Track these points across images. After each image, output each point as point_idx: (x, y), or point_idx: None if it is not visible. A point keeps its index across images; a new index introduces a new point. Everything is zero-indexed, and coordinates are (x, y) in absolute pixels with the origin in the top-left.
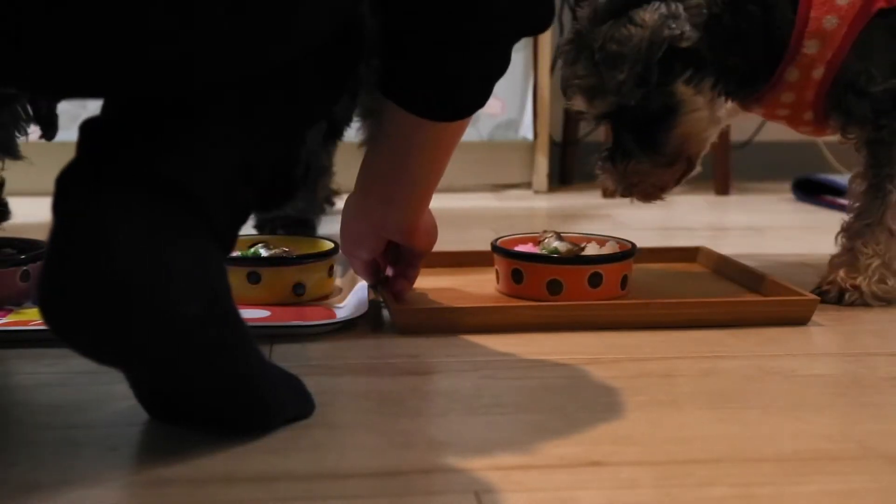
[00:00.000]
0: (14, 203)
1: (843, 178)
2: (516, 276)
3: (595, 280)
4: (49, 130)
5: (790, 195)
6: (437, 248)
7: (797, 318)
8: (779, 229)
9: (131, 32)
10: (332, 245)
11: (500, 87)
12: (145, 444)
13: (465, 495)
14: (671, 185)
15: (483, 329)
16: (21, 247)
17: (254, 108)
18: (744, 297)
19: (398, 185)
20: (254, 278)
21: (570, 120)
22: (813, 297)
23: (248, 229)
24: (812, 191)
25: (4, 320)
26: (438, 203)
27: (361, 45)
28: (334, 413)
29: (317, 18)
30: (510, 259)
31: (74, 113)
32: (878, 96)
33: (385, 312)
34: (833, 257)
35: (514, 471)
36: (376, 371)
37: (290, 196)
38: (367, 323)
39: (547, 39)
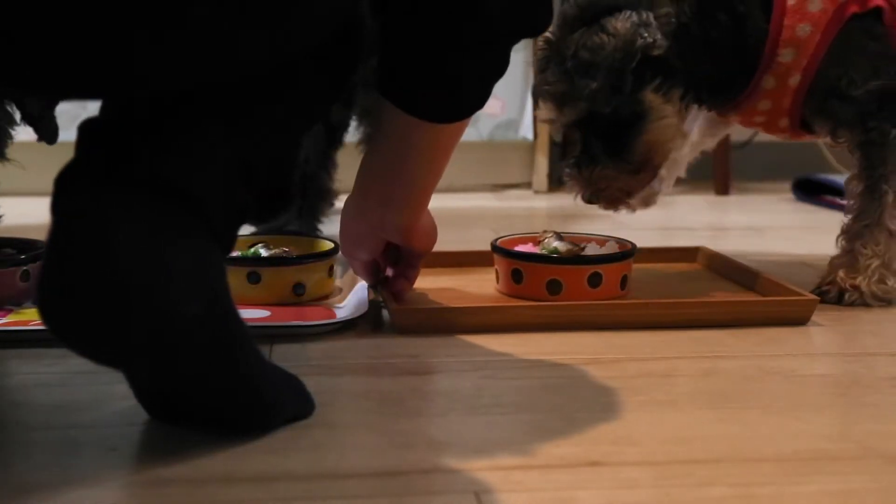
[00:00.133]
0: (13, 203)
1: (843, 178)
2: (516, 276)
3: (595, 280)
4: (47, 134)
5: (790, 195)
6: (437, 247)
7: (797, 318)
8: (779, 229)
9: (121, 33)
10: (332, 245)
11: (500, 87)
12: (145, 444)
13: (465, 495)
14: (637, 191)
15: (483, 329)
16: (21, 247)
17: (253, 109)
18: (744, 297)
19: (396, 185)
20: (254, 278)
21: None
22: (812, 297)
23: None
24: (812, 191)
25: (4, 320)
26: (438, 203)
27: (361, 46)
28: (334, 413)
29: (315, 19)
30: (510, 259)
31: (74, 113)
32: (861, 99)
33: (385, 312)
34: (833, 258)
35: (514, 471)
36: (376, 371)
37: (286, 205)
38: (367, 323)
39: None
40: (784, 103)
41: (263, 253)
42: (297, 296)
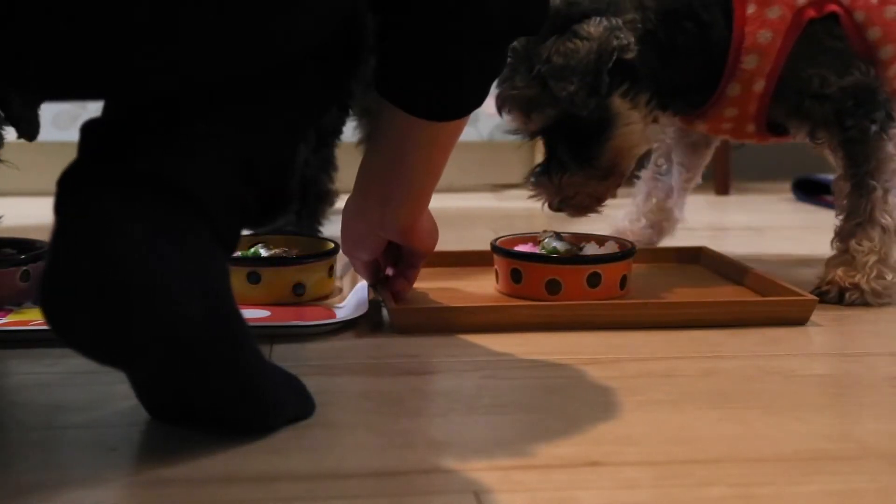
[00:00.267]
0: (13, 203)
1: None
2: (515, 275)
3: (594, 280)
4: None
5: (790, 195)
6: (438, 247)
7: (796, 319)
8: (779, 229)
9: (116, 33)
10: (332, 245)
11: None
12: (145, 444)
13: (465, 495)
14: (606, 197)
15: (483, 329)
16: (21, 247)
17: (254, 108)
18: (744, 297)
19: (396, 185)
20: (254, 278)
21: None
22: (812, 297)
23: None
24: (812, 191)
25: (4, 320)
26: (438, 203)
27: (361, 45)
28: (334, 413)
29: (315, 18)
30: (509, 259)
31: (75, 113)
32: (836, 97)
33: (385, 312)
34: (829, 259)
35: (514, 471)
36: (376, 371)
37: (283, 209)
38: (367, 323)
39: None
40: (750, 109)
41: (263, 253)
42: (297, 296)
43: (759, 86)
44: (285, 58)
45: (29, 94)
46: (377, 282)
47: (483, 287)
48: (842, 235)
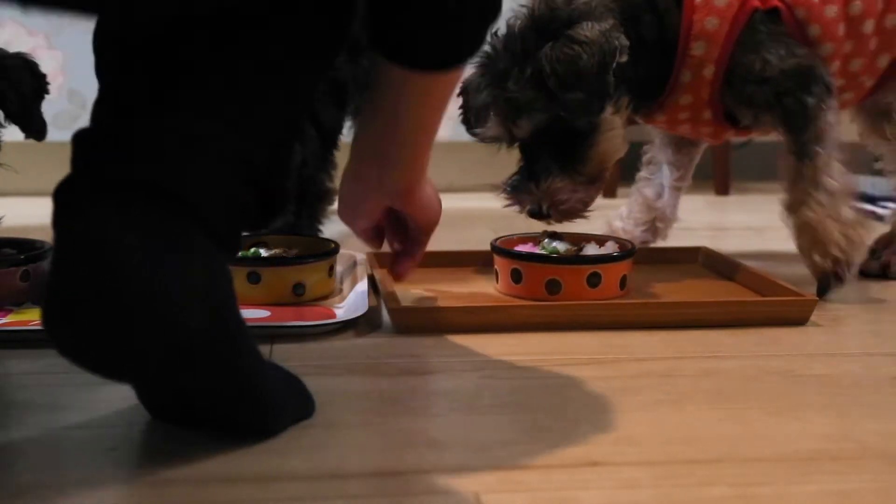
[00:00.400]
0: (13, 203)
1: None
2: (515, 275)
3: (594, 280)
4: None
5: None
6: (438, 247)
7: (796, 318)
8: (779, 229)
9: None
10: (332, 245)
11: None
12: (145, 444)
13: (465, 495)
14: (592, 201)
15: (483, 329)
16: (21, 247)
17: (251, 104)
18: (743, 297)
19: (391, 144)
20: (254, 278)
21: None
22: (812, 297)
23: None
24: None
25: (4, 320)
26: None
27: (349, 22)
28: (334, 413)
29: None
30: (509, 259)
31: (75, 113)
32: (777, 79)
33: (385, 312)
34: (799, 244)
35: (514, 471)
36: (376, 371)
37: (282, 209)
38: (367, 323)
39: None
40: (703, 95)
41: (263, 253)
42: (297, 296)
43: (708, 71)
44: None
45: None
46: (381, 251)
47: (483, 287)
48: (793, 206)
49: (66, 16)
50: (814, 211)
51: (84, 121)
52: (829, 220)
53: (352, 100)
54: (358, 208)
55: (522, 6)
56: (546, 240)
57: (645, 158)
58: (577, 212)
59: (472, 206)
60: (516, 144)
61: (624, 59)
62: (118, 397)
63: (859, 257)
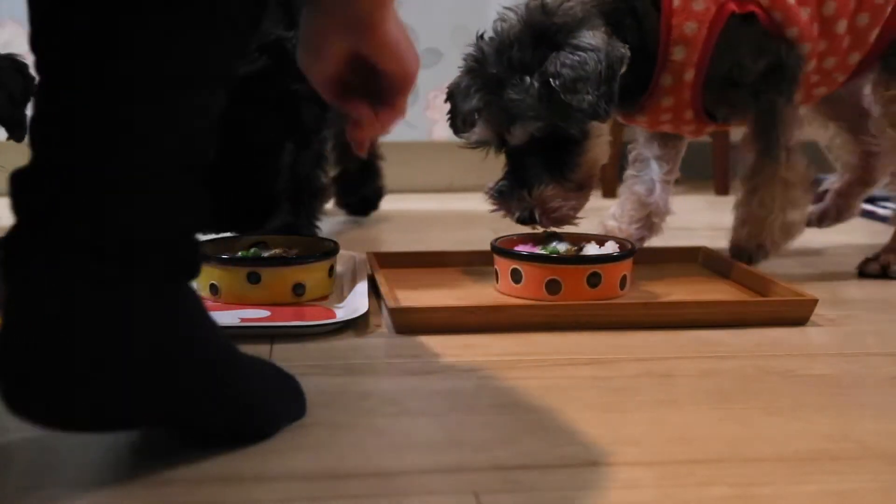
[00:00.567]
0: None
1: None
2: (515, 275)
3: (594, 280)
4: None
5: None
6: (438, 247)
7: (797, 318)
8: None
9: None
10: (332, 245)
11: None
12: (145, 444)
13: (465, 495)
14: (582, 207)
15: (483, 329)
16: None
17: (171, 90)
18: (744, 297)
19: None
20: (254, 278)
21: None
22: (812, 297)
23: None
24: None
25: None
26: (439, 204)
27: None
28: (334, 413)
29: None
30: (509, 259)
31: None
32: (752, 82)
33: (385, 312)
34: (734, 225)
35: (514, 471)
36: (376, 371)
37: (271, 211)
38: (367, 323)
39: None
40: (684, 97)
41: (263, 253)
42: (297, 296)
43: (689, 75)
44: None
45: None
46: (346, 105)
47: (483, 287)
48: (745, 191)
49: None
50: (763, 206)
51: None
52: (772, 215)
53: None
54: (319, 50)
55: (508, 9)
56: (546, 238)
57: (631, 157)
58: (569, 219)
59: (472, 206)
60: (503, 150)
61: (624, 69)
62: None
63: (783, 248)
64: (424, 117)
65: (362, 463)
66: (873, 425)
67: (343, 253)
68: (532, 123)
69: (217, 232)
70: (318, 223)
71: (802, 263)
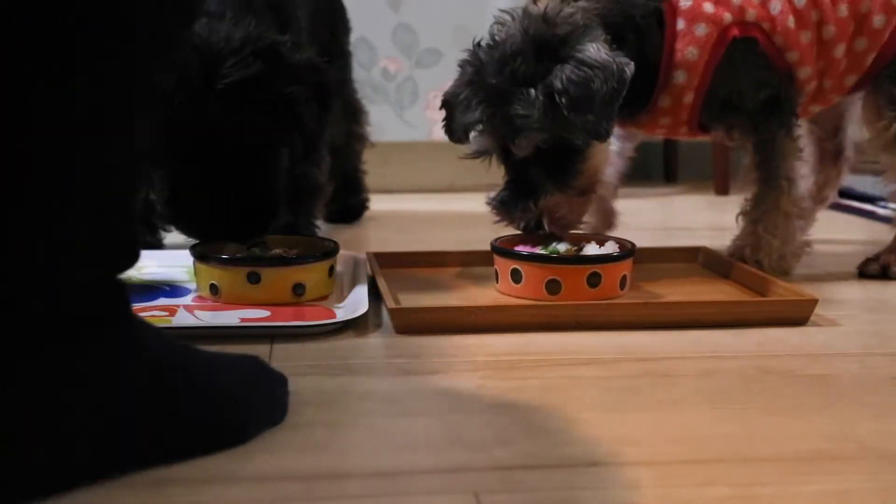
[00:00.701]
0: None
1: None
2: (515, 275)
3: (594, 280)
4: None
5: None
6: (438, 247)
7: (797, 318)
8: None
9: None
10: (332, 245)
11: None
12: None
13: (465, 495)
14: (585, 213)
15: (483, 329)
16: None
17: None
18: (744, 297)
19: None
20: (254, 278)
21: None
22: (812, 297)
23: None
24: None
25: None
26: (439, 204)
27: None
28: (334, 413)
29: None
30: (509, 259)
31: None
32: (752, 109)
33: (385, 312)
34: (738, 237)
35: (514, 471)
36: (376, 371)
37: (272, 218)
38: (367, 323)
39: None
40: (682, 118)
41: (263, 253)
42: (297, 296)
43: (688, 98)
44: None
45: None
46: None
47: (483, 287)
48: (751, 218)
49: None
50: (767, 231)
51: None
52: (776, 241)
53: (334, 100)
54: None
55: (505, 12)
56: (554, 243)
57: None
58: (575, 224)
59: (472, 206)
60: (505, 160)
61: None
62: None
63: (780, 272)
64: (424, 117)
65: (362, 463)
66: (873, 425)
67: (343, 253)
68: (537, 135)
69: (219, 240)
70: (316, 221)
71: (802, 263)
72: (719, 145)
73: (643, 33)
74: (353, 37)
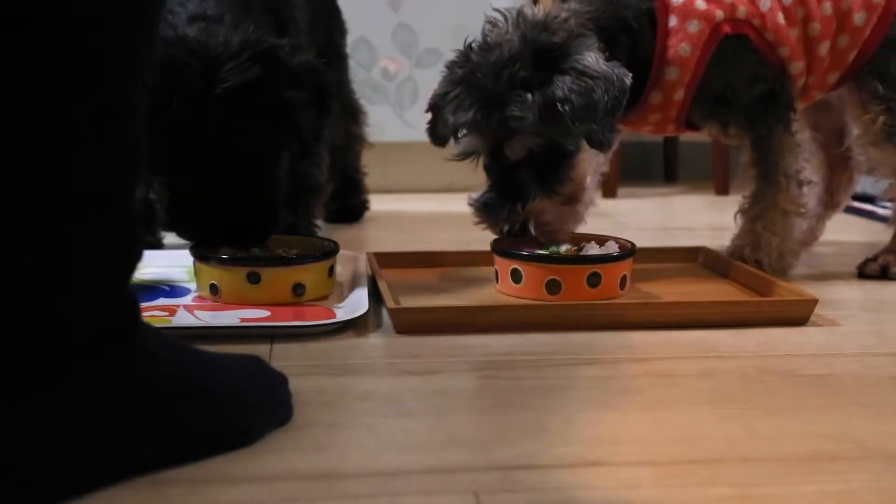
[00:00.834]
0: None
1: None
2: (515, 275)
3: (594, 280)
4: None
5: None
6: (438, 247)
7: (797, 318)
8: None
9: None
10: (332, 245)
11: None
12: None
13: (465, 495)
14: (572, 221)
15: (483, 329)
16: None
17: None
18: (744, 296)
19: None
20: (254, 278)
21: None
22: (812, 297)
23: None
24: None
25: None
26: (439, 204)
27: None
28: (334, 413)
29: None
30: (509, 259)
31: None
32: (747, 105)
33: (385, 312)
34: (737, 235)
35: (514, 471)
36: (376, 371)
37: (273, 224)
38: (367, 323)
39: None
40: (671, 114)
41: (263, 253)
42: (297, 296)
43: (679, 94)
44: None
45: None
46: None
47: (483, 287)
48: (749, 216)
49: None
50: (766, 229)
51: None
52: (775, 238)
53: (334, 103)
54: None
55: (498, 11)
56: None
57: None
58: (561, 234)
59: None
60: (491, 162)
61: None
62: None
63: (780, 271)
64: (424, 117)
65: (362, 463)
66: (873, 425)
67: (343, 253)
68: (531, 139)
69: (220, 247)
70: (316, 220)
71: (802, 263)
72: (719, 145)
73: (636, 34)
74: (354, 37)
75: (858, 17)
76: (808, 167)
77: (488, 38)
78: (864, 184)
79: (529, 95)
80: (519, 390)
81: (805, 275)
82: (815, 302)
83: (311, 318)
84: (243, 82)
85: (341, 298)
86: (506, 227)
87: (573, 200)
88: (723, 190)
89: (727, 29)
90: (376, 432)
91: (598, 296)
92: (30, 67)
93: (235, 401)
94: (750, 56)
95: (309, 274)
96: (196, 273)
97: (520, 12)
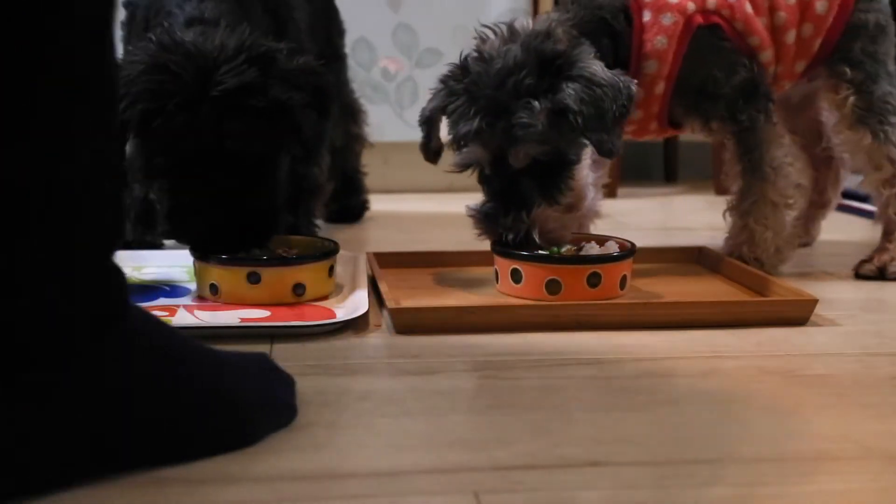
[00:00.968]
0: None
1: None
2: (515, 275)
3: (594, 280)
4: None
5: None
6: (438, 247)
7: (797, 318)
8: None
9: None
10: (332, 245)
11: None
12: None
13: (465, 495)
14: (574, 227)
15: (483, 329)
16: None
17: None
18: (744, 296)
19: None
20: (254, 278)
21: None
22: (812, 297)
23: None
24: None
25: None
26: (439, 204)
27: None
28: (334, 413)
29: None
30: (509, 259)
31: None
32: (728, 95)
33: (385, 312)
34: (730, 234)
35: (514, 471)
36: (376, 371)
37: (273, 228)
38: (367, 323)
39: None
40: (653, 110)
41: (263, 253)
42: (297, 296)
43: (659, 88)
44: None
45: None
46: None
47: (483, 287)
48: (739, 212)
49: None
50: (758, 223)
51: None
52: (768, 232)
53: (333, 104)
54: None
55: (486, 27)
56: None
57: None
58: (564, 239)
59: None
60: (493, 172)
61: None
62: None
63: (773, 270)
64: None
65: (362, 463)
66: (873, 425)
67: (343, 253)
68: (536, 147)
69: (220, 252)
70: (316, 220)
71: (802, 263)
72: (719, 145)
73: (616, 34)
74: (354, 37)
75: (820, 6)
76: (793, 171)
77: (483, 52)
78: (853, 182)
79: (537, 103)
80: (519, 390)
81: (804, 275)
82: (815, 302)
83: (311, 318)
84: (239, 85)
85: (341, 298)
86: (509, 236)
87: (573, 208)
88: (723, 190)
89: (699, 20)
90: (376, 432)
91: (598, 296)
92: None
93: (238, 403)
94: (724, 45)
95: (309, 274)
96: (196, 273)
97: (510, 26)
